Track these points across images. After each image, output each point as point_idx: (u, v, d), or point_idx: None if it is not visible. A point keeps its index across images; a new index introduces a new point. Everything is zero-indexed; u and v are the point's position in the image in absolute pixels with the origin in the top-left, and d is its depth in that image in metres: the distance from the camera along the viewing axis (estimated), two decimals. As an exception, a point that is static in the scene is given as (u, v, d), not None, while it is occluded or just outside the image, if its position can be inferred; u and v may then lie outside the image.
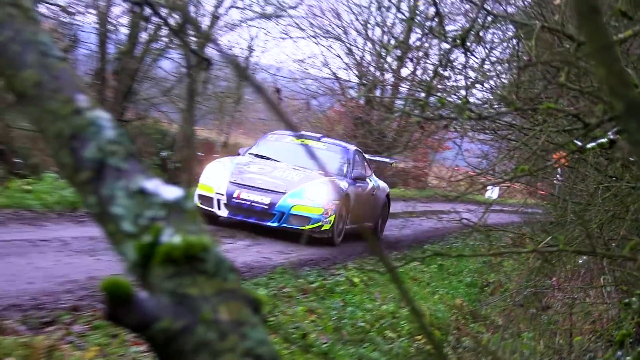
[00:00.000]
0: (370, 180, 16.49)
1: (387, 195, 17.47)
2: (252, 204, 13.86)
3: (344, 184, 14.66)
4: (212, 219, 13.75)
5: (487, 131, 9.64)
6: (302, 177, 14.49)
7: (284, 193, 14.00)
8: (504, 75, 9.08)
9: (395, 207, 18.09)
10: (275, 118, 1.29)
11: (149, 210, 1.35)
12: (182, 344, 1.26)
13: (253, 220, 13.88)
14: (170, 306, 1.28)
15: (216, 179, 14.27)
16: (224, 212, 13.99)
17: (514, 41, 8.34)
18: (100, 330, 6.67)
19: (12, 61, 1.49)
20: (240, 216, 13.92)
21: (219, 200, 14.03)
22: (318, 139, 15.98)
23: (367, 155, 17.71)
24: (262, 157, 15.30)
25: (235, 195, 13.93)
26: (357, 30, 30.66)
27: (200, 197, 14.19)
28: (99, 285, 1.27)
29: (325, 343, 7.45)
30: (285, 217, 13.83)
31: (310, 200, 13.92)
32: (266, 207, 13.79)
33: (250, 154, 15.60)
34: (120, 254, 1.35)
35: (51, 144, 1.41)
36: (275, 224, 13.81)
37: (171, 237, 1.31)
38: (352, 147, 16.46)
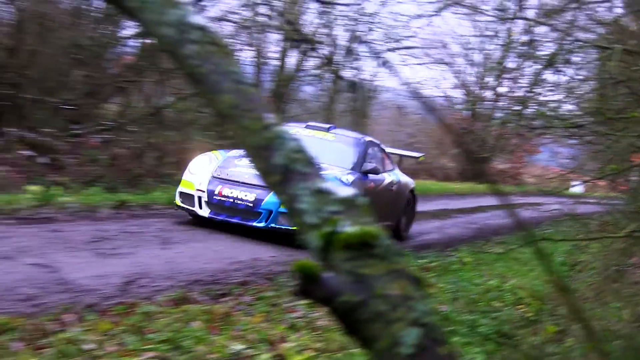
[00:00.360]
0: (390, 175, 12.33)
1: (412, 191, 13.22)
2: (235, 201, 10.04)
3: (347, 178, 10.54)
4: (198, 218, 10.31)
5: (574, 137, 9.41)
6: None
7: None
8: (589, 91, 8.83)
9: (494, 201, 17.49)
10: (451, 139, 1.28)
11: (328, 206, 1.35)
12: (360, 314, 1.26)
13: (236, 220, 10.02)
14: (350, 283, 1.27)
15: (199, 174, 10.48)
16: (205, 211, 10.15)
17: (597, 62, 8.10)
18: (263, 301, 6.75)
19: (213, 88, 1.51)
20: (223, 216, 10.07)
21: (199, 198, 10.22)
22: (327, 130, 11.89)
23: (388, 148, 13.51)
24: None
25: (216, 192, 10.14)
26: (462, 56, 30.44)
27: (182, 194, 10.46)
28: (292, 267, 1.27)
29: (444, 311, 7.36)
30: (273, 215, 9.94)
31: None
32: (251, 204, 9.99)
33: None
34: (307, 241, 1.35)
35: (248, 153, 1.42)
36: (261, 224, 9.96)
37: (348, 227, 1.31)
38: (366, 138, 12.18)
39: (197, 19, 1.58)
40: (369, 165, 11.27)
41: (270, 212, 9.92)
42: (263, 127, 1.44)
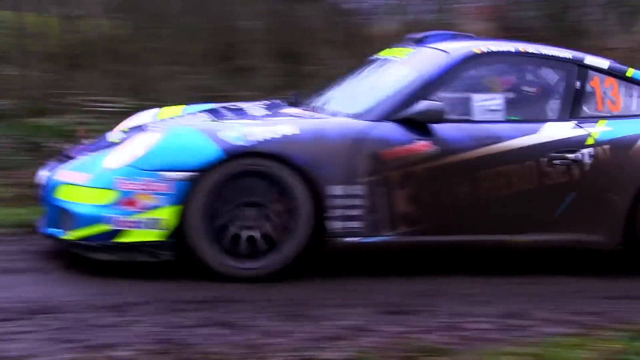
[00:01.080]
0: (579, 126, 4.57)
1: None
2: (40, 187, 4.65)
3: (242, 133, 4.11)
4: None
5: None
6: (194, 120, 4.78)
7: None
8: None
9: None
10: None
11: None
12: None
13: (42, 231, 4.49)
14: None
15: None
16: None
17: None
18: None
19: None
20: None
21: None
22: (417, 43, 5.07)
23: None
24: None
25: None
26: None
27: None
28: None
29: None
30: (53, 212, 4.29)
31: (94, 173, 4.16)
32: (42, 192, 4.54)
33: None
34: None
35: None
36: (46, 231, 4.38)
37: None
38: (470, 49, 4.67)
39: None
40: (424, 106, 4.40)
41: (48, 204, 4.44)
42: None
